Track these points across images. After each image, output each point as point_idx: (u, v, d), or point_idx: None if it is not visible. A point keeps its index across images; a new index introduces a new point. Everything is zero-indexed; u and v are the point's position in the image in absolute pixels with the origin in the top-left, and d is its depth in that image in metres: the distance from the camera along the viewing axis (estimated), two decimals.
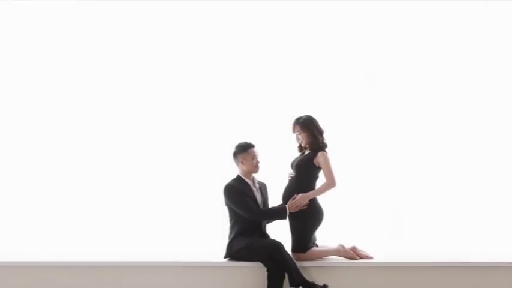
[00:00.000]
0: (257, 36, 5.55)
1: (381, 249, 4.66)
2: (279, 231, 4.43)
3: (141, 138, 5.56)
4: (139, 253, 4.81)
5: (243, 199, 4.32)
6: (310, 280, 4.08)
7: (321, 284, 4.07)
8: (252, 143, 4.43)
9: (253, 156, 4.41)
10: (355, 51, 5.51)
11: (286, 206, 4.33)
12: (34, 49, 5.62)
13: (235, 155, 4.43)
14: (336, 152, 4.50)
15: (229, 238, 4.39)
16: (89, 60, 5.60)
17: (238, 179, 4.43)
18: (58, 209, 5.51)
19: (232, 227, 4.40)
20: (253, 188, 4.45)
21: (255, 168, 4.42)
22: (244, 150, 4.41)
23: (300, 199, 4.32)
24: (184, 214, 5.46)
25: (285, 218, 4.33)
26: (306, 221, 4.36)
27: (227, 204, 4.41)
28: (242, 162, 4.42)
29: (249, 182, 4.44)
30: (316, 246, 4.46)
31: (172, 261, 4.43)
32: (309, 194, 4.36)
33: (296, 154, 4.57)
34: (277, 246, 4.16)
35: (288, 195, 4.41)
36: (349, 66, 5.52)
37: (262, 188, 4.54)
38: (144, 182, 5.54)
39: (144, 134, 5.56)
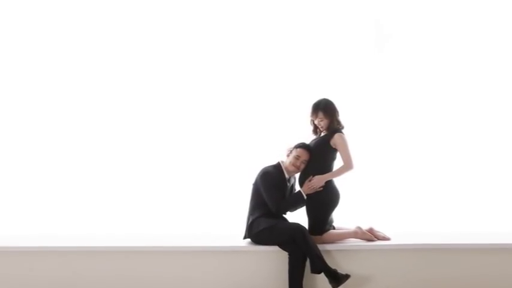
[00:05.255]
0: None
1: (398, 230, 4.66)
2: (295, 214, 4.41)
3: (160, 123, 5.55)
4: (147, 239, 4.70)
5: (274, 190, 4.29)
6: (333, 267, 4.07)
7: (344, 272, 4.05)
8: (305, 145, 4.42)
9: (296, 157, 4.36)
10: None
11: (301, 189, 4.32)
12: (34, 49, 5.55)
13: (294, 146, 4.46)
14: (352, 133, 4.47)
15: (249, 218, 4.36)
16: (90, 58, 5.55)
17: (278, 167, 4.39)
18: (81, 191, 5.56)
19: (254, 208, 4.35)
20: (288, 184, 4.42)
21: (292, 166, 4.38)
22: (294, 147, 4.42)
23: (316, 181, 4.30)
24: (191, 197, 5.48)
25: (304, 201, 4.31)
26: (322, 203, 4.34)
27: (256, 185, 4.37)
28: (288, 155, 4.40)
29: (286, 176, 4.41)
30: (333, 228, 4.45)
31: (189, 246, 4.39)
32: (325, 176, 4.33)
33: (310, 137, 4.53)
34: (301, 229, 4.14)
35: (305, 177, 4.38)
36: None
37: (293, 181, 4.53)
38: (157, 165, 5.54)
39: (163, 118, 5.55)
